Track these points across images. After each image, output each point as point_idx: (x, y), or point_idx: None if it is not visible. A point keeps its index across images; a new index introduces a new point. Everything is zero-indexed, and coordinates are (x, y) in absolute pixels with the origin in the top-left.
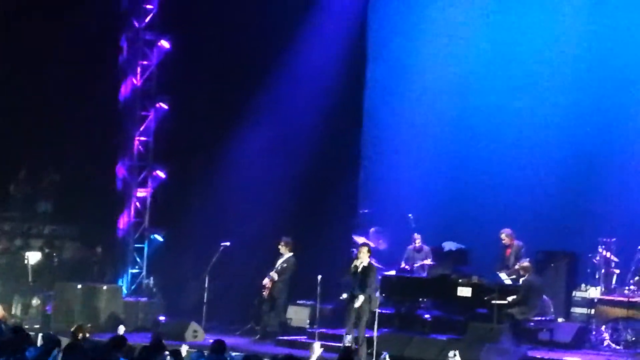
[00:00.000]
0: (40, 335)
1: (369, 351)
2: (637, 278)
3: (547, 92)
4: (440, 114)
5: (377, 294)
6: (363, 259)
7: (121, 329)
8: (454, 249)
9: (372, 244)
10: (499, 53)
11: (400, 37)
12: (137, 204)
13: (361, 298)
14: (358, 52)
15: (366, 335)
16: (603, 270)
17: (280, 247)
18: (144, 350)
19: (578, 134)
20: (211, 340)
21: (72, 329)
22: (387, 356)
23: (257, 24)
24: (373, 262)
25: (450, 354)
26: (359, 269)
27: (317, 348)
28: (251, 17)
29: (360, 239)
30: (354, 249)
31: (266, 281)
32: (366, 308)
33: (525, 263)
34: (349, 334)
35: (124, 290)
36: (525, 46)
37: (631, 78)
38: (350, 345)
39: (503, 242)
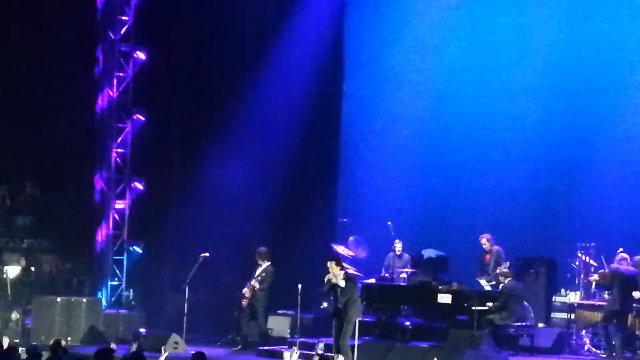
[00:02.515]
0: (22, 349)
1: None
2: None
3: (524, 98)
4: (418, 122)
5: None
6: (336, 274)
7: (113, 345)
8: (433, 256)
9: (350, 252)
10: (477, 60)
11: (377, 46)
12: (116, 216)
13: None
14: (335, 62)
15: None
16: (582, 275)
17: (256, 257)
18: None
19: (556, 140)
20: (192, 352)
21: (51, 343)
22: None
23: (233, 34)
24: (351, 271)
25: None
26: (337, 285)
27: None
28: (227, 27)
29: (339, 248)
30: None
31: (246, 290)
32: (354, 318)
33: (505, 269)
34: (321, 343)
35: (104, 303)
36: (502, 52)
37: (608, 84)
38: (323, 352)
39: (483, 247)
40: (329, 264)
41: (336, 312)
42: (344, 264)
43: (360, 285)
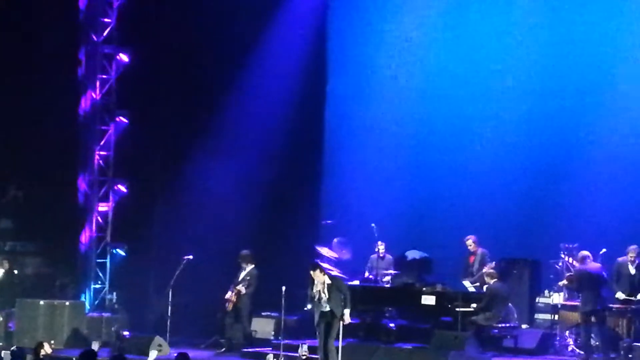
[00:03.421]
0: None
1: None
2: None
3: (508, 99)
4: (401, 123)
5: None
6: (320, 280)
7: (95, 345)
8: (417, 257)
9: (334, 254)
10: (461, 61)
11: (361, 47)
12: (99, 218)
13: (347, 312)
14: (318, 64)
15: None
16: (566, 276)
17: (239, 260)
18: None
19: (540, 141)
20: (176, 354)
21: (34, 346)
22: None
23: (217, 37)
24: (335, 272)
25: None
26: (324, 290)
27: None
28: (210, 29)
29: (323, 250)
30: (317, 260)
31: (229, 295)
32: (339, 321)
33: (490, 270)
34: (305, 344)
35: (87, 306)
36: (486, 53)
37: (592, 86)
38: (306, 355)
39: (469, 248)
40: (312, 273)
41: (322, 315)
42: (327, 266)
43: None
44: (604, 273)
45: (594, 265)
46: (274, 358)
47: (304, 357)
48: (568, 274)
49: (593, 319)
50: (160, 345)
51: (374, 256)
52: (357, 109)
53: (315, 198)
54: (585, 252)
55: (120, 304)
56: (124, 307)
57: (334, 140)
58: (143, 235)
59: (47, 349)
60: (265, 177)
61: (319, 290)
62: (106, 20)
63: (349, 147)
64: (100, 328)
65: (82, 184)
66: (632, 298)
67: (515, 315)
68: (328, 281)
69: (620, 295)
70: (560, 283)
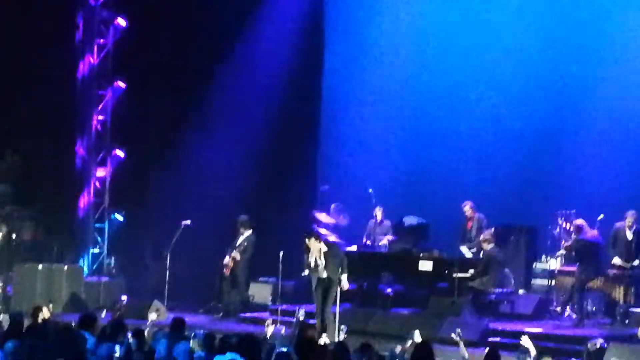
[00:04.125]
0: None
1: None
2: None
3: (506, 65)
4: (398, 89)
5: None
6: (315, 248)
7: (102, 314)
8: (414, 223)
9: (332, 220)
10: (458, 27)
11: (358, 17)
12: (97, 183)
13: (344, 278)
14: (316, 35)
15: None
16: (563, 242)
17: (238, 226)
18: (105, 329)
19: (538, 107)
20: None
21: (32, 310)
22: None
23: (215, 3)
24: (332, 238)
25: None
26: (320, 257)
27: (269, 325)
28: None
29: (321, 215)
30: (315, 225)
31: (227, 260)
32: (336, 287)
33: (487, 236)
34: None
35: (85, 271)
36: (483, 19)
37: (590, 51)
38: (303, 319)
39: (466, 214)
40: (308, 242)
41: (319, 282)
42: (325, 231)
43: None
44: (600, 240)
45: (591, 233)
46: (272, 323)
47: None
48: (565, 244)
49: (591, 284)
50: (158, 310)
51: (372, 222)
52: (354, 76)
53: (313, 164)
54: (580, 221)
55: (118, 269)
56: (121, 272)
57: (331, 106)
58: (141, 200)
59: (45, 313)
60: (263, 142)
61: (315, 258)
62: None
63: (346, 113)
64: (99, 292)
65: (79, 149)
66: (627, 265)
67: (512, 281)
68: (324, 248)
69: (617, 260)
70: (559, 252)
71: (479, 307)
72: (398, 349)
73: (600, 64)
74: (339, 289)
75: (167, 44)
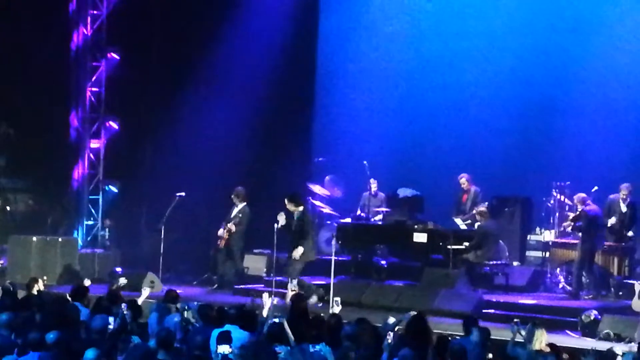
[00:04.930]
0: None
1: (326, 298)
2: None
3: (501, 36)
4: (394, 60)
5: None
6: (291, 210)
7: (87, 282)
8: (409, 195)
9: (326, 192)
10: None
11: None
12: (91, 155)
13: (300, 250)
14: (311, 4)
15: (319, 282)
16: (557, 214)
17: (232, 197)
18: (100, 301)
19: (533, 78)
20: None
21: (27, 282)
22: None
23: None
24: (327, 210)
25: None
26: (294, 221)
27: (266, 299)
28: None
29: (315, 187)
30: (310, 198)
31: (222, 232)
32: (298, 258)
33: (482, 208)
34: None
35: (79, 243)
36: None
37: (584, 22)
38: (296, 290)
39: (462, 186)
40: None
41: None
42: (319, 203)
43: (335, 225)
44: (601, 213)
45: (592, 207)
46: (269, 297)
47: (292, 292)
48: (572, 215)
49: (588, 260)
50: (152, 282)
51: (366, 194)
52: (348, 47)
53: (307, 135)
54: (583, 194)
55: (113, 241)
56: (116, 243)
57: (325, 78)
58: (135, 172)
59: (39, 285)
60: (257, 114)
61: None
62: None
63: (341, 85)
64: (93, 264)
65: (73, 121)
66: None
67: (507, 253)
68: (298, 213)
69: (612, 220)
70: (565, 224)
71: (473, 279)
72: (391, 320)
73: (597, 36)
74: (297, 254)
75: (160, 16)
